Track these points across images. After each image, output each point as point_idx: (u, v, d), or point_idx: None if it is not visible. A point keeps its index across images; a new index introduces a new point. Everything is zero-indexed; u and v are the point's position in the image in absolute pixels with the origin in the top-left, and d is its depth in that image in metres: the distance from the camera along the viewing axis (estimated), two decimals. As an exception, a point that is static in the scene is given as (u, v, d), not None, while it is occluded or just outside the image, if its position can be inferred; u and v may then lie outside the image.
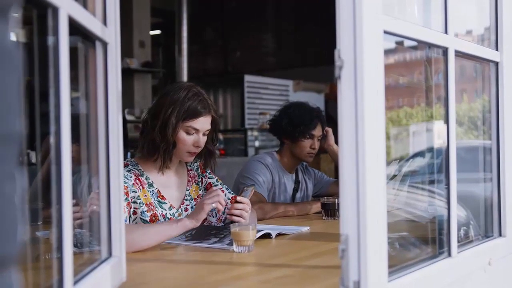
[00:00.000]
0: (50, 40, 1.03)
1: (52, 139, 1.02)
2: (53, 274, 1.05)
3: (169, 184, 2.33)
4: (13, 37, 0.60)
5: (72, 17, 1.08)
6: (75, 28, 1.13)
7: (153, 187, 2.26)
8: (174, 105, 2.20)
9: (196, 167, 2.46)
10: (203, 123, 2.24)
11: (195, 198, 2.39)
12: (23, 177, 0.61)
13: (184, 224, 2.01)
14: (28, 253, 1.17)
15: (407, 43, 1.57)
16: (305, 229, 2.38)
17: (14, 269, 0.59)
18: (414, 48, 1.74)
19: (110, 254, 1.38)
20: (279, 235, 2.21)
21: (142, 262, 1.79)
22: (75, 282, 1.10)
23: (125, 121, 3.61)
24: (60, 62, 1.02)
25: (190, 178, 2.42)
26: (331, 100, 8.40)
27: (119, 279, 1.40)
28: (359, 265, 1.18)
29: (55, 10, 1.01)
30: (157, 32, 10.47)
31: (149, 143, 2.24)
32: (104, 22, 1.36)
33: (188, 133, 2.23)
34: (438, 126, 1.91)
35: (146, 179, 2.25)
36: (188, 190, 2.39)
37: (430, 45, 1.57)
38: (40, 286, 1.14)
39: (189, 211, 2.33)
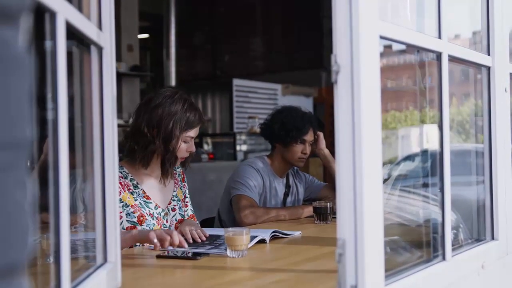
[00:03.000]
0: (47, 44, 1.03)
1: (49, 144, 1.02)
2: (50, 279, 1.04)
3: (155, 186, 2.39)
4: (23, 43, 0.60)
5: (69, 22, 1.07)
6: (71, 33, 1.13)
7: (139, 188, 2.32)
8: (174, 117, 2.28)
9: (178, 173, 2.54)
10: (197, 131, 2.38)
11: (181, 200, 2.49)
12: (32, 183, 0.60)
13: (134, 238, 2.08)
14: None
15: (396, 47, 1.58)
16: (297, 233, 2.39)
17: (25, 276, 0.59)
18: (402, 52, 1.75)
19: (105, 259, 1.37)
20: (273, 238, 2.21)
21: (137, 268, 1.79)
22: (72, 288, 1.09)
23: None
24: (57, 67, 1.02)
25: (176, 180, 2.50)
26: (320, 104, 8.43)
27: (114, 285, 1.39)
28: (356, 269, 1.18)
29: (53, 14, 1.00)
30: (145, 35, 10.44)
31: (150, 154, 2.30)
32: (100, 27, 1.36)
33: (185, 142, 2.33)
34: (428, 129, 1.92)
35: (130, 180, 2.32)
36: (175, 191, 2.47)
37: (424, 50, 1.58)
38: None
39: (177, 211, 2.43)
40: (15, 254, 0.57)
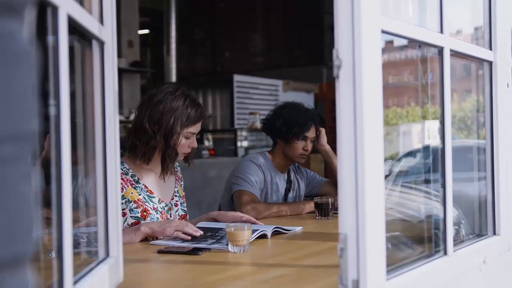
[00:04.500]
0: (49, 39, 1.02)
1: (52, 140, 1.01)
2: (52, 274, 1.04)
3: (157, 181, 2.41)
4: (27, 36, 0.60)
5: (71, 16, 1.07)
6: (72, 27, 1.13)
7: (140, 183, 2.33)
8: (175, 113, 2.28)
9: (178, 170, 2.57)
10: (199, 126, 2.38)
11: (182, 196, 2.51)
12: (37, 176, 0.61)
13: (144, 232, 2.10)
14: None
15: (397, 42, 1.57)
16: (298, 229, 2.39)
17: (30, 268, 0.59)
18: (404, 47, 1.75)
19: (107, 254, 1.37)
20: (275, 233, 2.22)
21: (138, 263, 1.79)
22: (75, 282, 1.09)
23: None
24: (59, 61, 1.01)
25: (177, 177, 2.53)
26: (321, 100, 8.42)
27: (116, 280, 1.39)
28: (358, 264, 1.18)
29: (55, 9, 1.00)
30: (146, 31, 10.44)
31: (151, 150, 2.31)
32: (101, 21, 1.36)
33: (186, 138, 2.34)
34: (429, 125, 1.92)
35: (131, 176, 2.33)
36: (176, 187, 2.49)
37: (426, 45, 1.58)
38: (39, 286, 1.13)
39: (179, 207, 2.46)
40: (20, 246, 0.57)
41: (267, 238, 2.15)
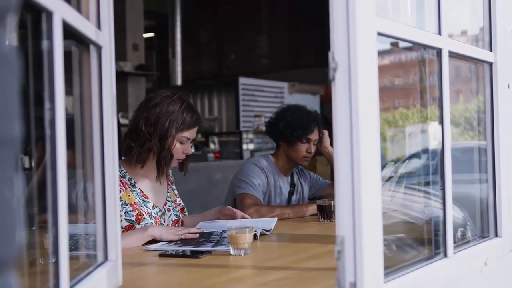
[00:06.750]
0: (44, 44, 1.03)
1: (47, 144, 1.02)
2: (49, 278, 1.05)
3: (151, 186, 2.42)
4: (10, 41, 0.60)
5: (66, 21, 1.08)
6: (69, 32, 1.13)
7: (136, 187, 2.36)
8: (171, 116, 2.31)
9: (170, 175, 2.60)
10: (194, 132, 2.41)
11: (173, 201, 2.53)
12: (20, 181, 0.61)
13: (151, 234, 2.13)
14: (24, 257, 1.16)
15: (402, 44, 1.57)
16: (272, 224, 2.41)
17: (13, 273, 0.60)
18: (409, 49, 1.75)
19: (106, 258, 1.38)
20: (262, 234, 2.25)
21: (137, 266, 1.79)
22: (72, 286, 1.09)
23: (119, 125, 3.68)
24: (54, 66, 1.02)
25: (169, 182, 2.55)
26: (326, 102, 8.41)
27: (115, 283, 1.40)
28: (355, 267, 1.18)
29: (49, 14, 1.01)
30: (151, 34, 10.45)
31: (146, 152, 2.32)
32: (98, 26, 1.36)
33: (181, 142, 2.36)
34: (434, 127, 1.92)
35: (128, 180, 2.35)
36: (168, 192, 2.52)
37: (424, 46, 1.58)
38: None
39: (172, 212, 2.48)
40: (3, 251, 0.57)
41: (257, 239, 2.15)
